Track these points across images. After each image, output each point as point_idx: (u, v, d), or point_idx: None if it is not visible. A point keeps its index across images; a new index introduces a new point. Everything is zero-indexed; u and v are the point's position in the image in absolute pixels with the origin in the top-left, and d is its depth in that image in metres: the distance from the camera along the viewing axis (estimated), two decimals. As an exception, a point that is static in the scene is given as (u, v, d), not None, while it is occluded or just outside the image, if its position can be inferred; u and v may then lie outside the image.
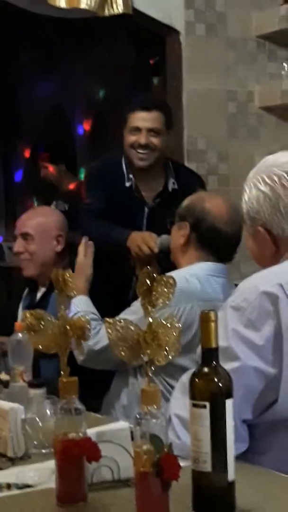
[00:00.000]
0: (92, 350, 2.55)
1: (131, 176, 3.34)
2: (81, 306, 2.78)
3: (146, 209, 3.37)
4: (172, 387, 2.40)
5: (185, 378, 1.77)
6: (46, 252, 3.16)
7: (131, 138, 3.27)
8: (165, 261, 2.88)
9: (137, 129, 3.25)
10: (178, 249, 2.64)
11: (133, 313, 2.50)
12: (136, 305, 2.51)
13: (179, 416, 1.74)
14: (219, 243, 2.57)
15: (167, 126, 3.32)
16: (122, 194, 3.35)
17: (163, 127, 3.30)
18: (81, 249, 3.01)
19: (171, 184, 3.38)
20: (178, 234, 2.62)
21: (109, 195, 3.33)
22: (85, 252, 2.99)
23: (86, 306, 2.76)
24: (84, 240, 3.05)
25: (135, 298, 2.64)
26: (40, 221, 3.20)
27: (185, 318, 2.44)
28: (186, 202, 2.66)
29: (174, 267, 2.67)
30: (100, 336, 2.55)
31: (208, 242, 2.57)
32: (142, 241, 3.09)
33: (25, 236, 3.16)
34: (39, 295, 3.23)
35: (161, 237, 3.06)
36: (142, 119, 3.25)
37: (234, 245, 2.61)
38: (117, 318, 2.49)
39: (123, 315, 2.56)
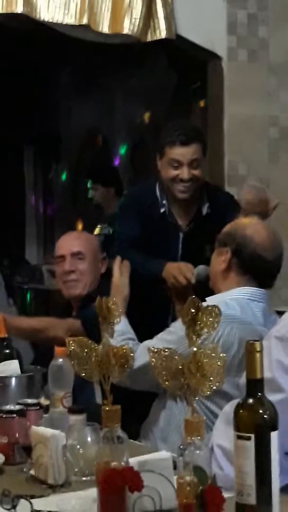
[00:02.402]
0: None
1: (164, 202, 3.35)
2: (118, 326, 2.78)
3: (180, 234, 3.36)
4: (209, 410, 2.38)
5: (229, 408, 1.75)
6: (94, 272, 3.18)
7: (172, 172, 3.24)
8: (202, 292, 2.86)
9: (178, 163, 3.24)
10: (218, 275, 2.63)
11: (172, 333, 2.51)
12: (176, 325, 2.51)
13: (222, 446, 1.72)
14: (261, 269, 2.56)
15: (204, 153, 3.32)
16: (156, 220, 3.35)
17: (202, 156, 3.29)
18: (116, 268, 3.01)
19: (205, 209, 3.37)
20: (219, 260, 2.61)
21: (144, 222, 3.34)
22: (120, 272, 2.99)
23: (123, 326, 2.75)
24: (118, 259, 3.05)
25: None
26: (90, 242, 3.24)
27: (223, 340, 2.43)
28: (226, 228, 2.66)
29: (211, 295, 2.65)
30: (136, 355, 2.54)
31: (249, 268, 2.56)
32: (179, 271, 3.09)
33: (77, 255, 3.17)
34: None
35: (198, 267, 3.06)
36: (182, 154, 3.23)
37: (275, 272, 2.61)
38: (156, 338, 2.53)
39: (162, 335, 2.56)
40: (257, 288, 2.57)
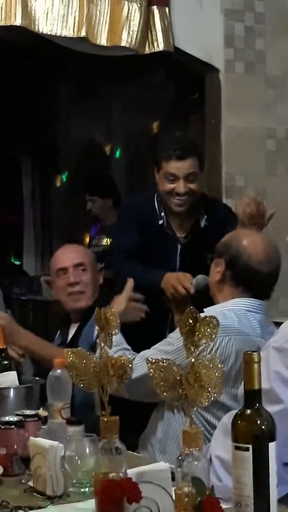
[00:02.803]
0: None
1: (162, 214, 3.36)
2: (114, 337, 2.79)
3: (178, 246, 3.37)
4: (207, 420, 2.39)
5: (227, 419, 1.76)
6: (96, 283, 3.18)
7: (168, 186, 3.26)
8: (200, 302, 2.86)
9: (174, 177, 3.25)
10: (214, 285, 2.64)
11: (169, 344, 2.51)
12: (173, 336, 2.52)
13: (220, 457, 1.72)
14: (254, 282, 2.56)
15: (201, 167, 3.33)
16: (154, 231, 3.36)
17: (198, 170, 3.30)
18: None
19: (203, 221, 3.38)
20: (215, 271, 2.63)
21: (142, 233, 3.35)
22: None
23: (119, 337, 2.76)
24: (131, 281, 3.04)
25: None
26: (87, 253, 3.26)
27: (220, 351, 2.43)
28: (224, 238, 2.67)
29: (209, 306, 2.66)
30: (133, 366, 2.54)
31: (242, 281, 2.56)
32: (177, 281, 3.09)
33: (79, 266, 3.15)
34: (72, 331, 3.22)
35: (197, 277, 3.06)
36: (178, 168, 3.25)
37: (270, 284, 2.60)
38: (153, 348, 2.54)
39: (159, 345, 2.57)
40: (254, 299, 2.57)
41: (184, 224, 3.37)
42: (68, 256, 3.21)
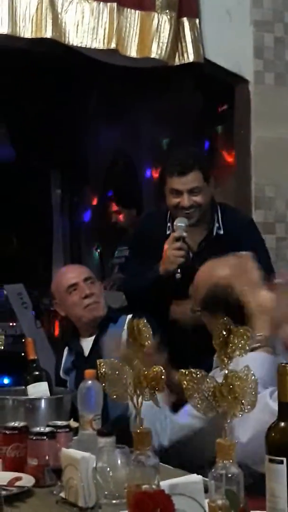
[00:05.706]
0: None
1: (169, 225, 3.39)
2: None
3: (190, 255, 3.38)
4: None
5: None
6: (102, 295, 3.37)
7: (173, 201, 3.32)
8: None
9: (178, 192, 3.29)
10: None
11: None
12: None
13: (239, 441, 1.72)
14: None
15: (207, 180, 3.34)
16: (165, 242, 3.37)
17: (203, 184, 3.32)
18: None
19: (216, 230, 3.39)
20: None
21: (151, 250, 3.36)
22: None
23: None
24: None
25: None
26: (88, 270, 3.42)
27: None
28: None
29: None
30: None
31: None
32: (167, 250, 3.20)
33: (88, 280, 3.28)
34: (86, 344, 3.27)
35: (175, 223, 3.21)
36: (180, 183, 3.28)
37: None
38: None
39: None
40: None
41: (197, 233, 3.38)
42: (75, 273, 3.32)
